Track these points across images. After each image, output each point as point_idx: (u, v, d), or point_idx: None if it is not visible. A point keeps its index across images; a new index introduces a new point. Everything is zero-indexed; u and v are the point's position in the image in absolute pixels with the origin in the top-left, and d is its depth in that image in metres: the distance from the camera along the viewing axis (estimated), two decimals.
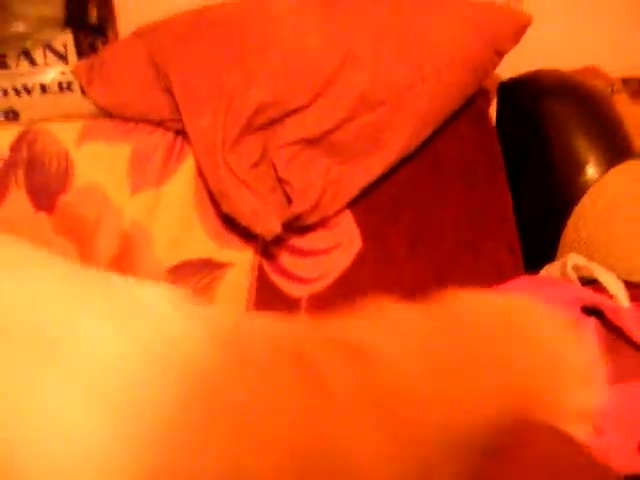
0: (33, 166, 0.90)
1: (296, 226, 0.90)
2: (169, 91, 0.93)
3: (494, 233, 0.99)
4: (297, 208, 0.88)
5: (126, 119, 0.94)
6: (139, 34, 1.00)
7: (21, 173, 0.90)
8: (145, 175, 0.91)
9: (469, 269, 0.95)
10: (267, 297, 0.90)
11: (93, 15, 1.02)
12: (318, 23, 0.90)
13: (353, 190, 0.92)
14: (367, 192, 0.94)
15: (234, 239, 0.90)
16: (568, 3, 1.37)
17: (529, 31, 1.01)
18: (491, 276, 0.93)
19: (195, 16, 0.96)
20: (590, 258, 0.87)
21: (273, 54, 0.88)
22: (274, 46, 0.88)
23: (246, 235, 0.89)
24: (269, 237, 0.87)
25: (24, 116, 0.95)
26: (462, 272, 0.95)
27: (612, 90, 1.24)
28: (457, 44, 0.93)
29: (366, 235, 0.92)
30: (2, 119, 0.95)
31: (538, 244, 1.01)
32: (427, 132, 0.95)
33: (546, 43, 1.23)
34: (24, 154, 0.91)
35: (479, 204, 1.00)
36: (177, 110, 0.91)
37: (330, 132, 0.88)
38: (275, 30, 0.90)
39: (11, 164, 0.90)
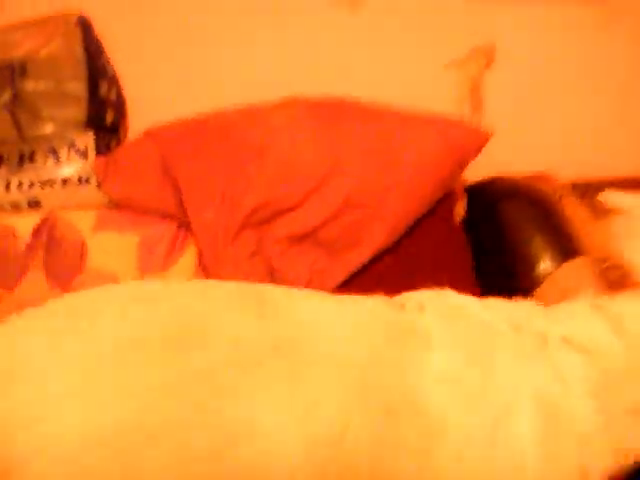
0: (51, 250, 1.01)
1: None
2: (175, 187, 1.05)
3: None
4: None
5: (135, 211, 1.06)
6: (149, 134, 1.13)
7: (40, 256, 1.00)
8: (151, 262, 1.02)
9: None
10: None
11: (110, 118, 1.16)
12: (311, 136, 1.04)
13: (336, 280, 1.04)
14: (347, 282, 1.06)
15: None
16: (521, 117, 1.55)
17: (491, 140, 1.17)
18: None
19: (202, 121, 1.10)
20: None
21: (269, 161, 1.01)
22: (271, 154, 1.02)
23: None
24: None
25: (45, 205, 1.06)
26: None
27: (561, 194, 1.40)
28: (428, 157, 1.07)
29: None
30: (25, 207, 1.06)
31: None
32: (401, 230, 1.09)
33: (505, 150, 1.38)
34: (44, 239, 1.01)
35: None
36: (182, 204, 1.04)
37: (316, 229, 1.01)
38: (273, 139, 1.03)
39: (32, 247, 1.01)
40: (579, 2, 1.52)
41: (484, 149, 1.15)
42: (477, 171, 1.23)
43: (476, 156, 1.13)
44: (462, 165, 1.11)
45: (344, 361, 0.64)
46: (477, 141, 1.13)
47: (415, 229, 1.11)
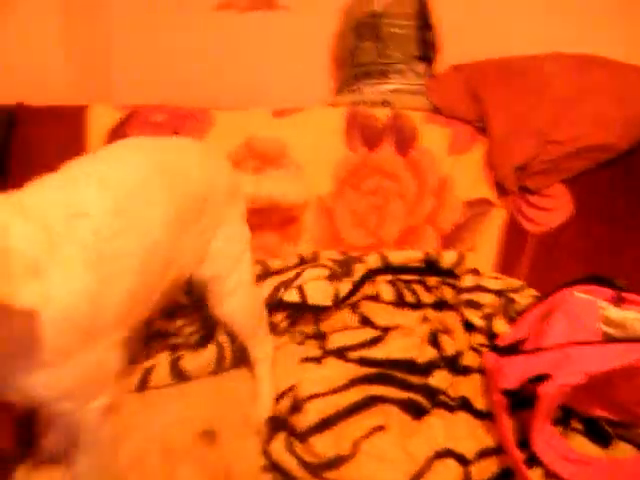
0: (397, 130, 1.63)
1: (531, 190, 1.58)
2: (477, 105, 1.62)
3: None
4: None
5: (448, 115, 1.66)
6: (458, 68, 1.71)
7: (390, 132, 1.63)
8: (457, 146, 1.62)
9: None
10: (511, 227, 1.59)
11: (431, 55, 1.75)
12: (574, 81, 1.56)
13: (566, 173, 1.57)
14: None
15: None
16: None
17: None
18: None
19: (502, 62, 1.65)
20: None
21: (546, 95, 1.54)
22: (547, 90, 1.55)
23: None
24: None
25: (393, 105, 1.67)
26: None
27: None
28: None
29: (578, 208, 1.56)
30: (379, 105, 1.69)
31: None
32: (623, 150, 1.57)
33: None
34: (393, 122, 1.63)
35: None
36: (481, 117, 1.61)
37: (569, 154, 1.53)
38: (548, 79, 1.56)
39: (387, 126, 1.63)
40: None
41: None
42: None
43: None
44: None
45: None
46: None
47: None
